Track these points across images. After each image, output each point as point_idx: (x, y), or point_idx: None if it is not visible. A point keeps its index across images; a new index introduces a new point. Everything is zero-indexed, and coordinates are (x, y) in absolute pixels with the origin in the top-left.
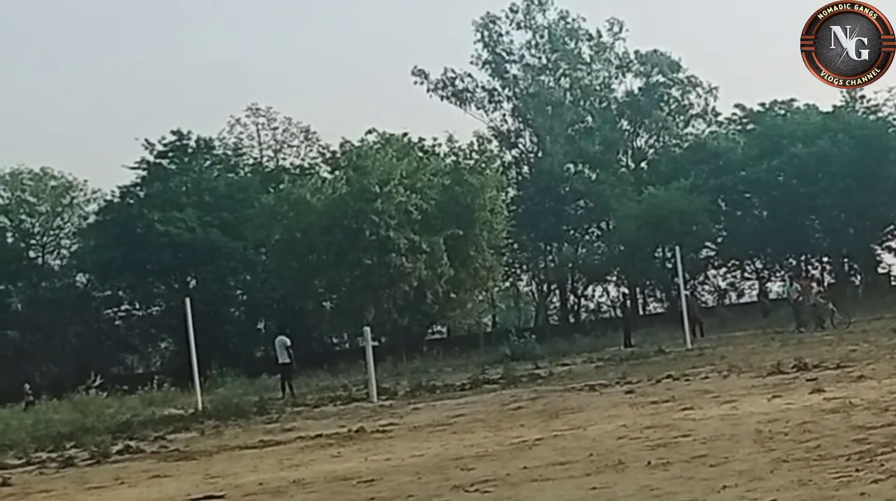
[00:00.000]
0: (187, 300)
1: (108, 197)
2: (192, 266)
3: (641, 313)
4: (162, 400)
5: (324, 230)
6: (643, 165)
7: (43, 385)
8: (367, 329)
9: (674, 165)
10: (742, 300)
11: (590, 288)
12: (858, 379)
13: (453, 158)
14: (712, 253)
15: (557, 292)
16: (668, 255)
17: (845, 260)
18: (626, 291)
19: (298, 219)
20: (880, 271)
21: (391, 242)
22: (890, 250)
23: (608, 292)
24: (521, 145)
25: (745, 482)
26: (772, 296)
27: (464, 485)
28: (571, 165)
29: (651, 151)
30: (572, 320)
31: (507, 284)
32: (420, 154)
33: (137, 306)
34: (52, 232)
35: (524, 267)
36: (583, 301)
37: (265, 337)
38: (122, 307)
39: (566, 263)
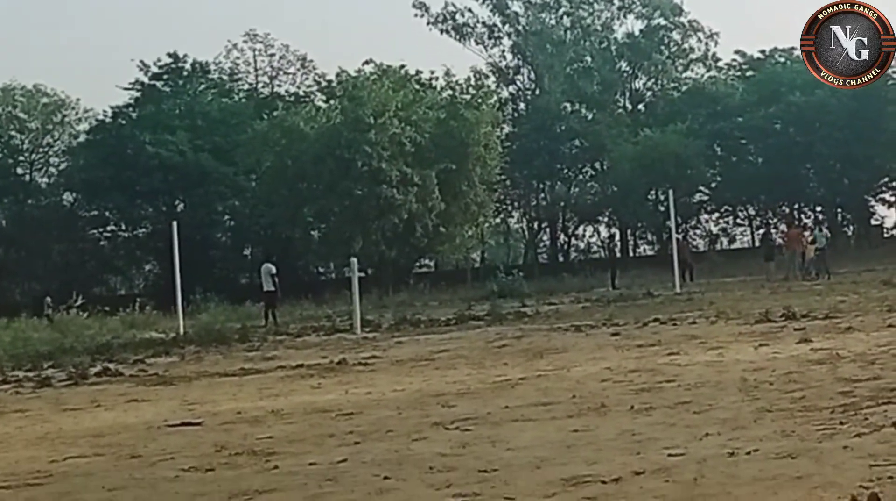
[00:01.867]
0: (174, 224)
1: (100, 117)
2: (181, 190)
3: (632, 255)
4: (143, 323)
5: (315, 159)
6: (640, 107)
7: (23, 303)
8: (354, 260)
9: (671, 109)
10: (734, 246)
11: (581, 228)
12: (846, 331)
13: (450, 92)
14: (706, 198)
15: (548, 230)
16: (662, 198)
17: (839, 210)
18: (617, 232)
19: (291, 147)
20: (873, 222)
21: (383, 173)
22: (884, 202)
23: (599, 233)
24: (518, 82)
25: (728, 430)
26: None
27: (444, 422)
28: (568, 104)
29: (649, 93)
30: (561, 259)
31: (498, 220)
32: (416, 87)
33: (123, 227)
34: (41, 149)
35: (516, 204)
36: (573, 241)
37: (251, 264)
38: (108, 228)
39: (558, 201)
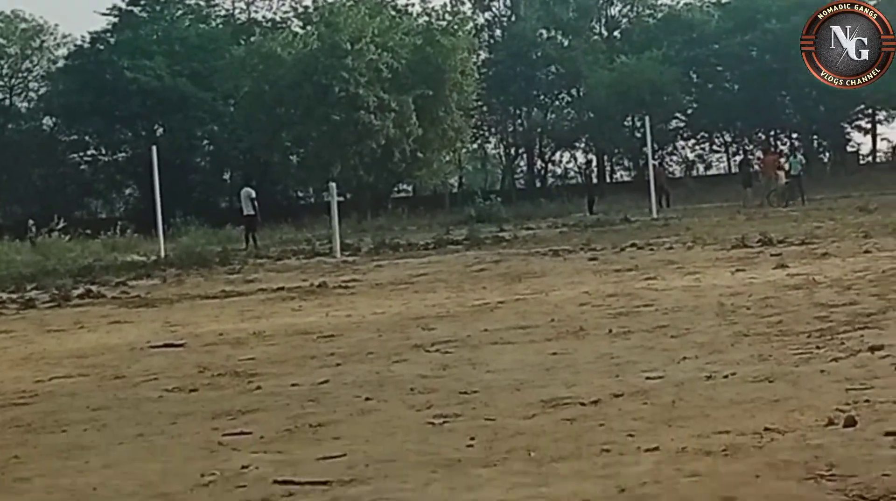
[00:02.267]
0: (153, 148)
1: (79, 42)
2: (160, 115)
3: (609, 181)
4: (124, 246)
5: (293, 85)
6: (616, 33)
7: (5, 226)
8: (333, 185)
9: (647, 36)
10: (710, 173)
11: (557, 154)
12: (822, 256)
13: (426, 18)
14: (682, 124)
15: (525, 156)
16: (638, 124)
17: (814, 137)
18: (594, 158)
19: (268, 72)
20: (849, 149)
21: (360, 99)
22: (859, 128)
23: (576, 159)
24: (494, 9)
25: (706, 354)
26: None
27: (424, 345)
28: (544, 31)
29: (624, 20)
30: (539, 184)
31: (475, 146)
32: (392, 13)
33: (103, 151)
34: (20, 75)
35: (493, 130)
36: (550, 167)
37: (230, 188)
38: (88, 152)
39: (535, 127)
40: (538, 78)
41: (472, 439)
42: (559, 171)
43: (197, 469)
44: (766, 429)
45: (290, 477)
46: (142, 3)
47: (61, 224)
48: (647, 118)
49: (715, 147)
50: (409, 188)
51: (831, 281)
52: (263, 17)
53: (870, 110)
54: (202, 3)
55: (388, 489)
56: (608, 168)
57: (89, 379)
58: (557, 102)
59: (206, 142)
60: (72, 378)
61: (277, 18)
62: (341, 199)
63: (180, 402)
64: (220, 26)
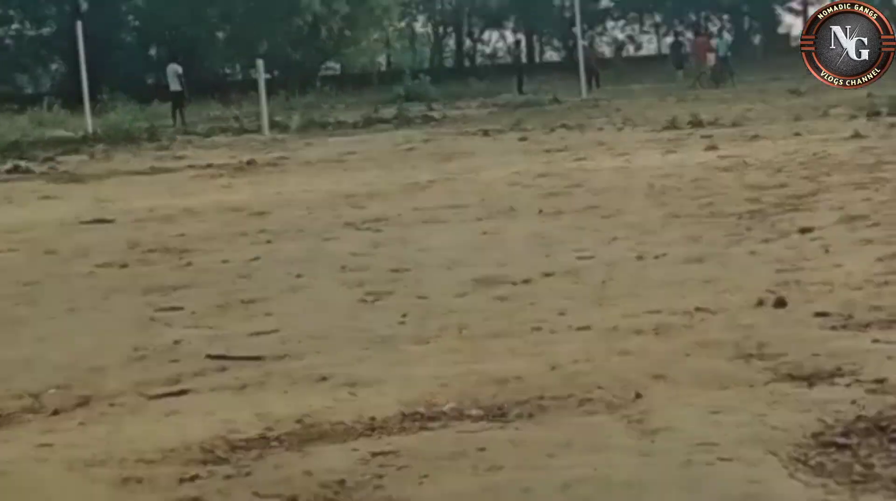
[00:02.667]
0: (78, 23)
1: None
2: None
3: (538, 61)
4: (52, 122)
5: None
6: None
7: None
8: (260, 62)
9: None
10: (640, 53)
11: (486, 33)
12: (753, 139)
13: None
14: (611, 4)
15: (453, 34)
16: (567, 4)
17: (746, 18)
18: (523, 37)
19: None
20: (780, 31)
21: None
22: (791, 10)
23: (504, 38)
24: None
25: (637, 235)
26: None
27: (355, 223)
28: None
29: None
30: (468, 64)
31: (403, 24)
32: None
33: (28, 25)
34: None
35: (420, 8)
36: (479, 46)
37: (157, 64)
38: (13, 27)
39: (463, 6)
40: None
41: (404, 316)
42: (488, 50)
43: (129, 344)
44: (697, 309)
45: (223, 352)
46: None
47: None
48: None
49: (645, 28)
50: (337, 66)
51: (762, 163)
52: None
53: None
54: None
55: (320, 364)
56: (537, 48)
57: (20, 254)
58: None
59: (131, 17)
60: (2, 253)
61: None
62: (269, 76)
63: (111, 277)
64: None
